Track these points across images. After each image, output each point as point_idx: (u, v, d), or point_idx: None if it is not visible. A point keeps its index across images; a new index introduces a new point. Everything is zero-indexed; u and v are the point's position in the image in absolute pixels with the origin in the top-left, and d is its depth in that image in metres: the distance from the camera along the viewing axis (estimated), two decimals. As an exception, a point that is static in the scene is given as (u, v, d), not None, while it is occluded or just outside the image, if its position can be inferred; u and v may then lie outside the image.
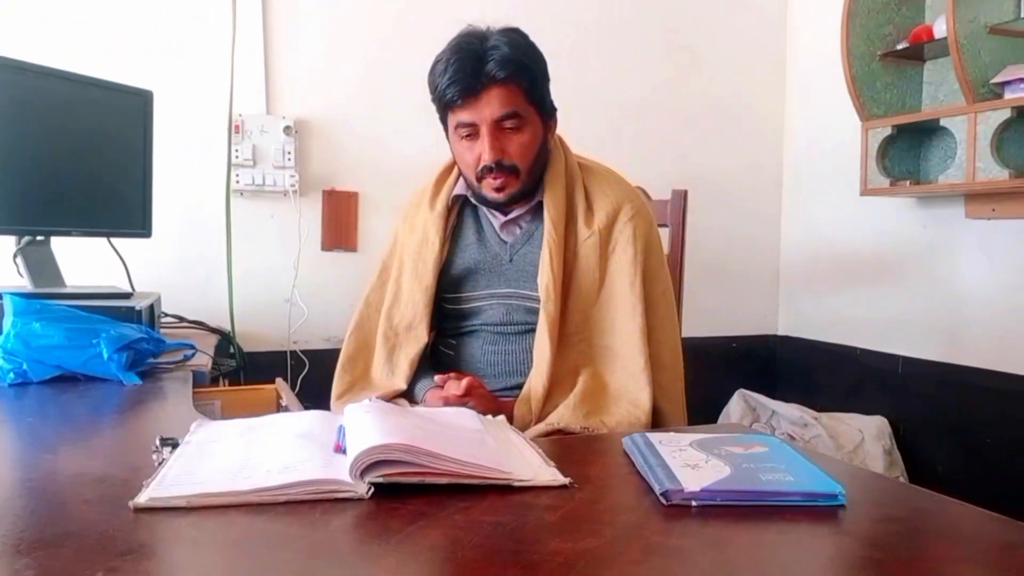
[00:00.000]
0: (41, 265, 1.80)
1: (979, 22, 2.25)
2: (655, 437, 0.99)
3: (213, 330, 2.23)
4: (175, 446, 0.94)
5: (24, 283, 1.75)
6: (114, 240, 2.03)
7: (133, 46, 2.38)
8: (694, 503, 0.80)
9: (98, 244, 2.01)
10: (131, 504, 0.76)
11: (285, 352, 2.56)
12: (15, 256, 1.76)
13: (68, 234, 1.87)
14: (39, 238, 1.81)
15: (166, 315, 2.09)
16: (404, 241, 1.59)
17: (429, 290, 1.51)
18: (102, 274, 2.06)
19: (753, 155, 3.22)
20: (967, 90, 2.27)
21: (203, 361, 1.62)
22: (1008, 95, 2.23)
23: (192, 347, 1.62)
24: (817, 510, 0.80)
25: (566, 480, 0.86)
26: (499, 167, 1.41)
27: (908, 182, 2.56)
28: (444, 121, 1.47)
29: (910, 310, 2.73)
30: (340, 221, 2.63)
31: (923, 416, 2.68)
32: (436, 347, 1.59)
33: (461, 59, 1.37)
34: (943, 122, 2.41)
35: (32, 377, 1.36)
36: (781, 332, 3.29)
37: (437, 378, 1.40)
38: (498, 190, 1.44)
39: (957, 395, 2.57)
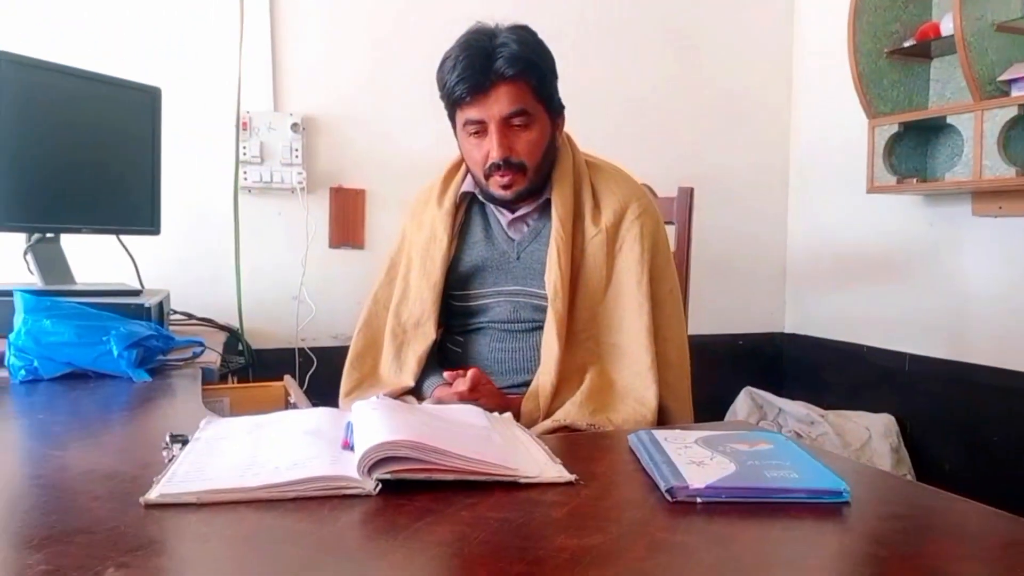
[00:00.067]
0: (51, 262, 1.81)
1: (986, 20, 2.24)
2: (660, 434, 0.99)
3: (222, 327, 2.25)
4: (185, 443, 0.95)
5: (34, 280, 1.76)
6: (123, 237, 2.04)
7: (141, 43, 2.39)
8: (699, 500, 0.80)
9: (107, 241, 2.02)
10: (141, 500, 0.77)
11: (293, 349, 2.57)
12: (25, 253, 1.77)
13: (78, 231, 1.88)
14: (49, 236, 1.83)
15: (175, 312, 2.11)
16: (412, 238, 1.60)
17: (437, 287, 1.51)
18: (111, 271, 2.07)
19: (759, 152, 3.22)
20: (974, 88, 2.26)
21: (212, 358, 1.63)
22: (1015, 93, 2.22)
23: (201, 344, 1.63)
24: (822, 507, 0.81)
25: (572, 477, 0.87)
26: (507, 164, 1.41)
27: (915, 180, 2.55)
28: (452, 118, 1.48)
29: (917, 308, 2.72)
30: (347, 218, 2.64)
31: (930, 414, 2.68)
32: (444, 344, 1.60)
33: (470, 56, 1.38)
34: (950, 120, 2.41)
35: (43, 374, 1.38)
36: (788, 330, 3.29)
37: (446, 375, 1.41)
38: (506, 187, 1.44)
39: (964, 393, 2.56)
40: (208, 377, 1.51)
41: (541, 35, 1.44)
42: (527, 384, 1.44)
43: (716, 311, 3.07)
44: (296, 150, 2.53)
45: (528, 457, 0.93)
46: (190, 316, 2.18)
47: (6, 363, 1.38)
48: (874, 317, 2.88)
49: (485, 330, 1.53)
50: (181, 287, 2.18)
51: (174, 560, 0.68)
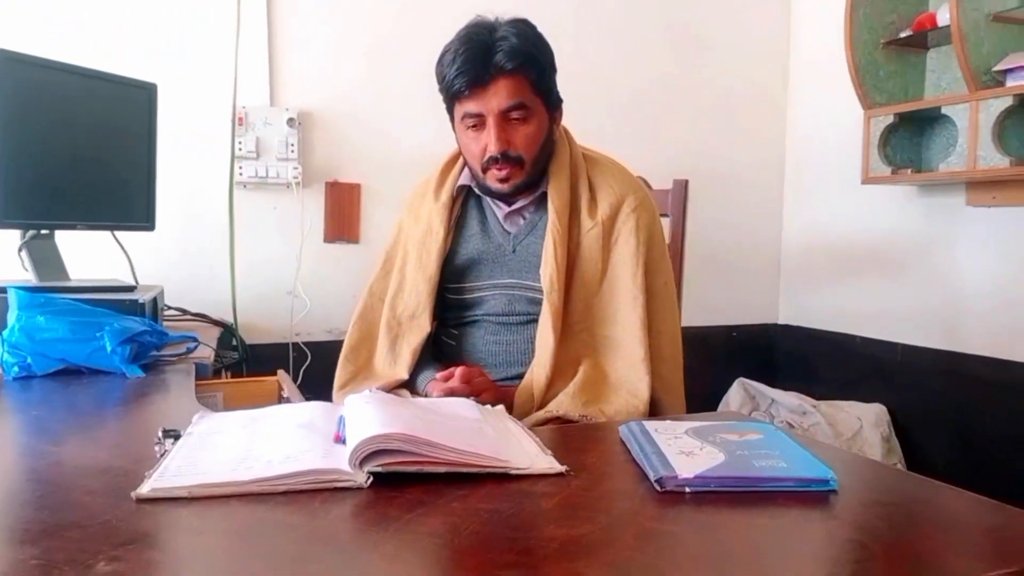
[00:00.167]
0: (45, 259, 1.81)
1: (982, 10, 2.25)
2: (651, 425, 1.00)
3: (216, 322, 2.25)
4: (177, 437, 0.95)
5: (29, 277, 1.77)
6: (118, 233, 2.04)
7: (137, 39, 2.39)
8: (688, 489, 0.81)
9: (102, 237, 2.02)
10: (134, 495, 0.77)
11: (287, 344, 2.58)
12: (20, 250, 1.77)
13: (72, 228, 1.88)
14: (43, 232, 1.83)
15: (169, 308, 2.11)
16: (408, 231, 1.60)
17: (432, 280, 1.52)
18: (106, 267, 2.07)
19: (755, 144, 3.22)
20: (969, 78, 2.26)
21: (206, 353, 1.63)
22: (1010, 83, 2.22)
23: (195, 340, 1.63)
24: (809, 495, 0.81)
25: (563, 468, 0.88)
26: (505, 158, 1.42)
27: (909, 170, 2.56)
28: (451, 111, 1.48)
29: (910, 298, 2.73)
30: (343, 213, 2.64)
31: (922, 404, 2.69)
32: (438, 337, 1.60)
33: (469, 50, 1.38)
34: (945, 110, 2.41)
35: (36, 370, 1.38)
36: (782, 321, 3.30)
37: (439, 376, 1.40)
38: (503, 181, 1.45)
39: (956, 383, 2.57)
40: (201, 372, 1.52)
41: (540, 29, 1.45)
42: (521, 376, 1.44)
43: (710, 303, 3.07)
44: (292, 145, 2.53)
45: (519, 449, 0.94)
46: (184, 312, 2.18)
47: (0, 360, 1.38)
48: (867, 308, 2.89)
49: (480, 323, 1.54)
50: (176, 283, 2.18)
51: (166, 553, 0.69)
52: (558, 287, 1.42)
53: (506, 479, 0.85)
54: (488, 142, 1.41)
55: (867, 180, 2.63)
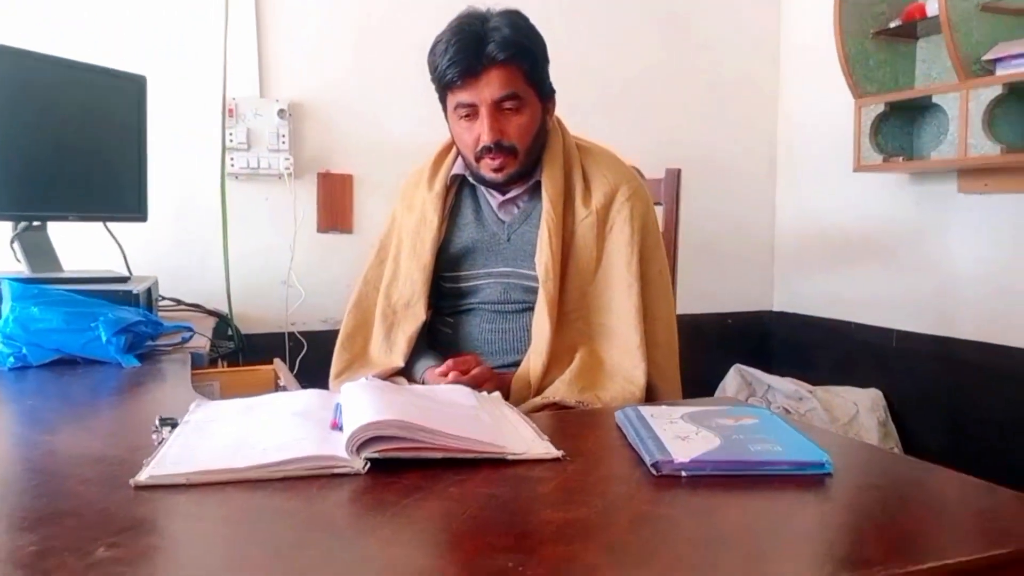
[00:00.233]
0: (38, 250, 1.81)
1: (971, 0, 2.25)
2: (647, 410, 1.01)
3: (211, 312, 2.25)
4: (174, 426, 0.95)
5: (22, 268, 1.76)
6: (110, 224, 2.03)
7: (126, 32, 2.37)
8: (684, 473, 0.82)
9: (95, 229, 2.02)
10: (131, 482, 0.78)
11: (283, 334, 2.58)
12: (12, 242, 1.77)
13: (65, 219, 1.87)
14: (36, 223, 1.82)
15: (163, 298, 2.11)
16: (402, 220, 1.60)
17: (427, 268, 1.52)
18: (99, 258, 2.07)
19: (747, 133, 3.22)
20: (959, 67, 2.27)
21: (201, 343, 1.63)
22: (999, 72, 2.23)
23: (190, 329, 1.63)
24: (804, 479, 0.82)
25: (559, 453, 0.88)
26: (498, 148, 1.42)
27: (901, 158, 2.57)
28: (443, 101, 1.48)
29: (904, 284, 2.74)
30: (335, 203, 2.64)
31: (917, 389, 2.71)
32: (434, 325, 1.61)
33: (462, 40, 1.38)
34: (935, 99, 2.42)
35: (31, 361, 1.38)
36: (776, 308, 3.31)
37: (439, 371, 1.40)
38: (496, 170, 1.45)
39: (951, 367, 2.59)
40: (197, 362, 1.52)
41: (531, 18, 1.45)
42: (517, 364, 1.45)
43: (705, 290, 3.08)
44: (283, 136, 2.53)
45: (515, 435, 0.94)
46: (179, 302, 2.18)
47: (-6, 351, 1.38)
48: (861, 294, 2.90)
49: (475, 311, 1.54)
50: (169, 273, 2.18)
51: (164, 540, 0.69)
52: (553, 275, 1.43)
53: (503, 464, 0.85)
54: (481, 132, 1.42)
55: (859, 168, 2.64)
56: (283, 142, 2.52)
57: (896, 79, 2.65)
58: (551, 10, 2.74)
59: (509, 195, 1.52)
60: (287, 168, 2.52)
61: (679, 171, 1.87)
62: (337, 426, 0.90)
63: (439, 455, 0.85)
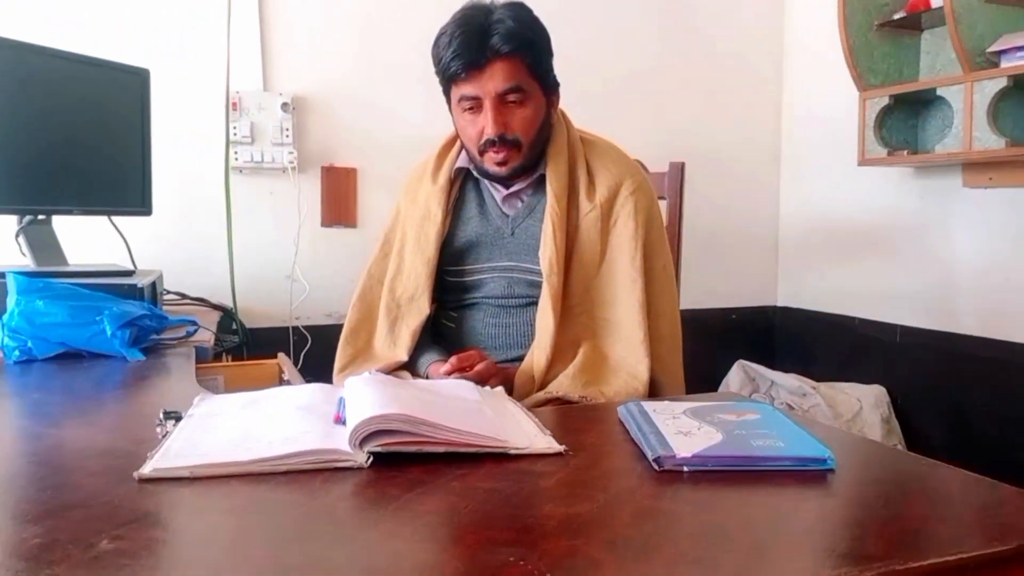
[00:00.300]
0: (43, 244, 1.81)
1: (976, -9, 2.25)
2: (649, 406, 1.01)
3: (215, 307, 2.25)
4: (178, 419, 0.96)
5: (27, 262, 1.77)
6: (115, 219, 2.04)
7: (129, 25, 2.37)
8: (686, 469, 0.82)
9: (99, 223, 2.02)
10: (135, 475, 0.78)
11: (287, 328, 2.58)
12: (17, 235, 1.77)
13: (69, 213, 1.88)
14: (41, 217, 1.83)
15: (168, 292, 2.11)
16: (406, 214, 1.60)
17: (431, 262, 1.52)
18: (104, 252, 2.08)
19: (751, 126, 3.22)
20: (963, 59, 2.26)
21: (206, 337, 1.64)
22: (1004, 64, 2.22)
23: (194, 323, 1.64)
24: (806, 474, 0.82)
25: (561, 448, 0.88)
26: (501, 141, 1.42)
27: (905, 152, 2.56)
28: (447, 94, 1.48)
29: (908, 279, 2.74)
30: (339, 197, 2.64)
31: (921, 385, 2.70)
32: (438, 320, 1.61)
33: (465, 32, 1.38)
34: (940, 91, 2.41)
35: (37, 354, 1.38)
36: (780, 303, 3.31)
37: (443, 370, 1.40)
38: (500, 164, 1.45)
39: (956, 364, 2.58)
40: (202, 355, 1.52)
41: (534, 11, 1.44)
42: (520, 359, 1.45)
43: (709, 285, 3.08)
44: (287, 130, 2.53)
45: (518, 429, 0.94)
46: (183, 296, 2.19)
47: (0, 344, 1.39)
48: (865, 289, 2.90)
49: (479, 306, 1.54)
50: (174, 267, 2.19)
51: (168, 532, 0.69)
52: (558, 270, 1.43)
53: (505, 459, 0.86)
54: (485, 125, 1.41)
55: (863, 162, 2.63)
56: (287, 136, 2.53)
57: (900, 71, 2.64)
58: (556, 4, 2.73)
59: (513, 189, 1.52)
60: (291, 162, 2.52)
61: (683, 165, 1.86)
62: (340, 420, 0.90)
63: (442, 449, 0.85)
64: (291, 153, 2.53)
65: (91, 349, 1.41)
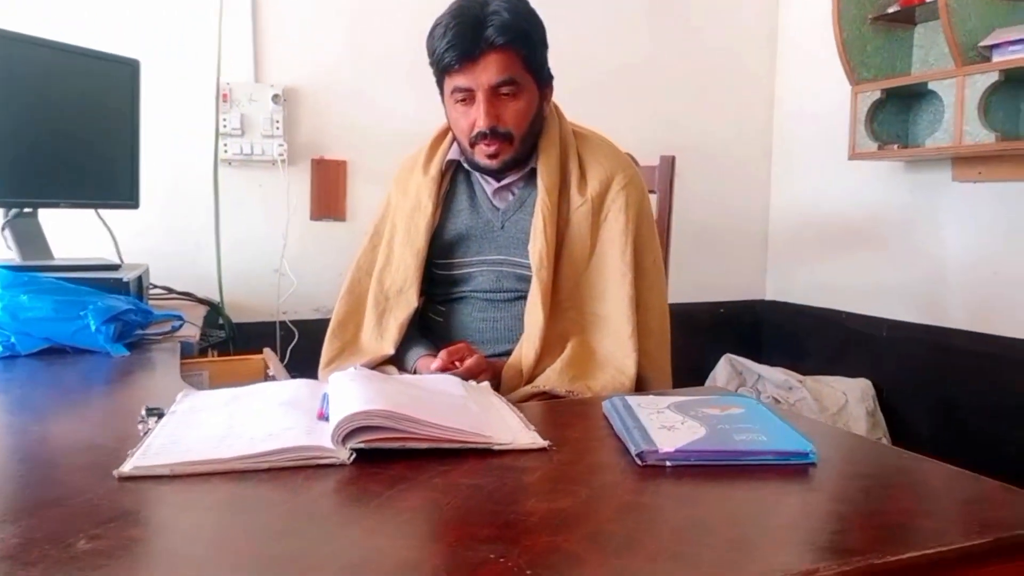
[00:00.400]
0: (29, 237, 1.80)
1: (969, -15, 2.25)
2: (634, 400, 1.01)
3: (202, 301, 2.24)
4: (161, 416, 0.95)
5: (12, 256, 1.76)
6: (102, 211, 2.03)
7: (119, 14, 2.36)
8: (668, 463, 0.82)
9: (86, 216, 2.01)
10: (116, 473, 0.78)
11: (275, 322, 2.57)
12: (2, 229, 1.76)
13: (56, 206, 1.86)
14: (26, 210, 1.81)
15: (155, 286, 2.10)
16: (397, 205, 1.59)
17: (420, 254, 1.51)
18: (90, 246, 2.06)
19: (742, 120, 3.22)
20: (955, 54, 2.26)
21: (191, 332, 1.63)
22: (996, 58, 2.22)
23: (180, 318, 1.63)
24: (788, 468, 0.82)
25: (545, 443, 0.88)
26: (493, 133, 1.41)
27: (896, 146, 2.56)
28: (440, 85, 1.47)
29: (896, 274, 2.74)
30: (329, 191, 2.63)
31: (907, 378, 2.71)
32: (426, 313, 1.60)
33: (460, 23, 1.37)
34: (931, 86, 2.41)
35: (20, 350, 1.37)
36: (769, 297, 3.31)
37: (434, 367, 1.39)
38: (491, 156, 1.44)
39: (942, 357, 2.59)
40: (187, 351, 1.52)
41: (529, 3, 1.44)
42: (509, 353, 1.44)
43: (698, 279, 3.08)
44: (277, 122, 2.52)
45: (502, 424, 0.94)
46: (170, 290, 2.18)
47: (-17, 339, 1.38)
48: (854, 283, 2.90)
49: (468, 299, 1.54)
50: (161, 261, 2.17)
51: (147, 530, 0.69)
52: (548, 264, 1.42)
53: (489, 454, 0.85)
54: (477, 117, 1.41)
55: (854, 156, 2.63)
56: (277, 128, 2.51)
57: (893, 65, 2.64)
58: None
59: (504, 182, 1.51)
60: (281, 154, 2.51)
61: (673, 158, 1.86)
62: (324, 416, 0.90)
63: (425, 445, 0.85)
64: (281, 145, 2.51)
65: (75, 344, 1.40)
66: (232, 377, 1.55)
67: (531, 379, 1.39)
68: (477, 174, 1.54)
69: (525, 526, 0.68)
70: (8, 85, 1.70)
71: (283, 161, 2.52)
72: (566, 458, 0.86)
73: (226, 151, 2.48)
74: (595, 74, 2.91)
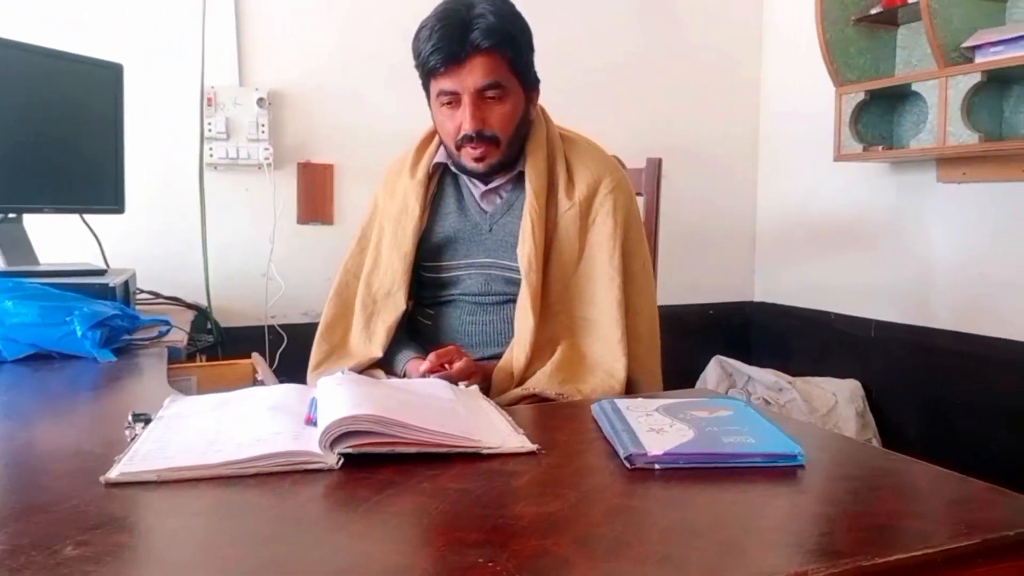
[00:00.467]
0: (14, 243, 1.79)
1: (951, -14, 2.26)
2: (623, 403, 1.01)
3: (189, 306, 2.23)
4: (148, 421, 0.95)
5: (-3, 262, 1.75)
6: (87, 216, 2.02)
7: (102, 18, 2.35)
8: (657, 466, 0.82)
9: (71, 221, 2.00)
10: (102, 479, 0.77)
11: (263, 327, 2.56)
12: (-13, 234, 1.75)
13: (40, 211, 1.85)
14: (11, 216, 1.80)
15: (141, 291, 2.09)
16: (384, 208, 1.59)
17: (408, 257, 1.51)
18: (76, 251, 2.05)
19: (728, 121, 3.23)
20: (938, 55, 2.28)
21: (179, 337, 1.62)
22: (978, 59, 2.24)
23: (167, 323, 1.62)
24: (777, 470, 0.82)
25: (534, 447, 0.88)
26: (479, 137, 1.41)
27: (881, 147, 2.57)
28: (426, 88, 1.47)
29: (883, 274, 2.76)
30: (316, 194, 2.62)
31: (896, 379, 2.72)
32: (414, 317, 1.60)
33: (446, 26, 1.37)
34: (915, 87, 2.43)
35: (6, 356, 1.37)
36: (757, 298, 3.32)
37: (424, 368, 1.39)
38: (478, 160, 1.44)
39: (929, 358, 2.60)
40: (174, 356, 1.51)
41: (515, 6, 1.44)
42: (498, 357, 1.44)
43: (686, 281, 3.09)
44: (262, 125, 2.51)
45: (491, 428, 0.94)
46: (157, 295, 2.17)
47: (-32, 345, 1.37)
48: (841, 284, 2.92)
49: (456, 302, 1.54)
50: (147, 266, 2.16)
51: (134, 536, 0.68)
52: (536, 267, 1.42)
53: (478, 459, 0.85)
54: (463, 120, 1.41)
55: (839, 157, 2.65)
56: (263, 131, 2.51)
57: (876, 67, 2.66)
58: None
59: (492, 185, 1.51)
60: (267, 158, 2.50)
61: (660, 160, 1.86)
62: (312, 421, 0.90)
63: (413, 450, 0.84)
64: (267, 149, 2.51)
65: (61, 350, 1.39)
66: (221, 382, 1.54)
67: (521, 382, 1.40)
68: (465, 177, 1.54)
69: (514, 530, 0.68)
70: (-9, 90, 1.69)
71: (269, 165, 2.51)
72: (555, 461, 0.86)
73: (211, 155, 2.47)
74: (581, 76, 2.92)
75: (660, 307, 1.57)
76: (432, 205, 1.56)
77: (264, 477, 0.79)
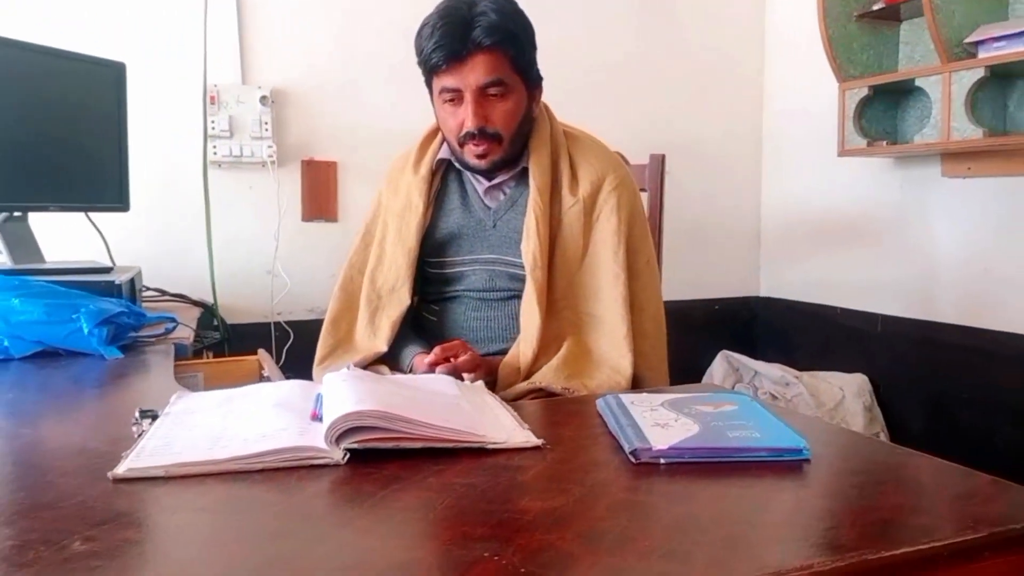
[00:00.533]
0: (20, 241, 1.79)
1: (954, -19, 2.26)
2: (627, 398, 1.01)
3: (195, 303, 2.24)
4: (154, 418, 0.95)
5: (3, 260, 1.75)
6: (92, 215, 2.02)
7: (105, 17, 2.35)
8: (662, 461, 0.82)
9: (77, 219, 2.01)
10: (110, 475, 0.78)
11: (269, 324, 2.57)
12: (-7, 233, 1.75)
13: (45, 210, 1.86)
14: (16, 214, 1.81)
15: (147, 289, 2.10)
16: (388, 204, 1.59)
17: (412, 253, 1.51)
18: (82, 249, 2.06)
19: (732, 117, 3.22)
20: (941, 50, 2.27)
21: (185, 334, 1.63)
22: (982, 54, 2.23)
23: (173, 320, 1.63)
24: (782, 465, 0.83)
25: (539, 441, 0.88)
26: (482, 134, 1.41)
27: (885, 142, 2.57)
28: (429, 85, 1.47)
29: (889, 269, 2.75)
30: (320, 191, 2.62)
31: (902, 373, 2.72)
32: (419, 312, 1.61)
33: (448, 24, 1.37)
34: (918, 82, 2.42)
35: (13, 353, 1.37)
36: (763, 293, 3.32)
37: (428, 361, 1.39)
38: (480, 157, 1.44)
39: (936, 352, 2.60)
40: (181, 352, 1.51)
41: (518, 3, 1.44)
42: (503, 352, 1.45)
43: (692, 277, 3.09)
44: (266, 123, 2.51)
45: (496, 423, 0.94)
46: (163, 292, 2.17)
47: (-25, 343, 1.37)
48: (847, 279, 2.91)
49: (461, 298, 1.54)
50: (153, 263, 2.17)
51: (141, 532, 0.69)
52: (541, 264, 1.42)
53: (483, 454, 0.86)
54: (465, 117, 1.41)
55: (843, 153, 2.64)
56: (266, 129, 2.51)
57: (880, 62, 2.65)
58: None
59: (495, 181, 1.52)
60: (270, 156, 2.51)
61: (663, 157, 1.86)
62: (317, 417, 0.90)
63: (418, 445, 0.85)
64: (270, 147, 2.51)
65: (68, 347, 1.40)
66: (227, 378, 1.54)
67: (528, 377, 1.40)
68: (468, 173, 1.54)
69: (519, 525, 0.68)
70: (-5, 89, 1.69)
71: (273, 162, 2.52)
72: (560, 456, 0.86)
73: (215, 153, 2.47)
74: (582, 75, 2.91)
75: (666, 303, 1.56)
76: (436, 201, 1.56)
77: (270, 473, 0.79)
